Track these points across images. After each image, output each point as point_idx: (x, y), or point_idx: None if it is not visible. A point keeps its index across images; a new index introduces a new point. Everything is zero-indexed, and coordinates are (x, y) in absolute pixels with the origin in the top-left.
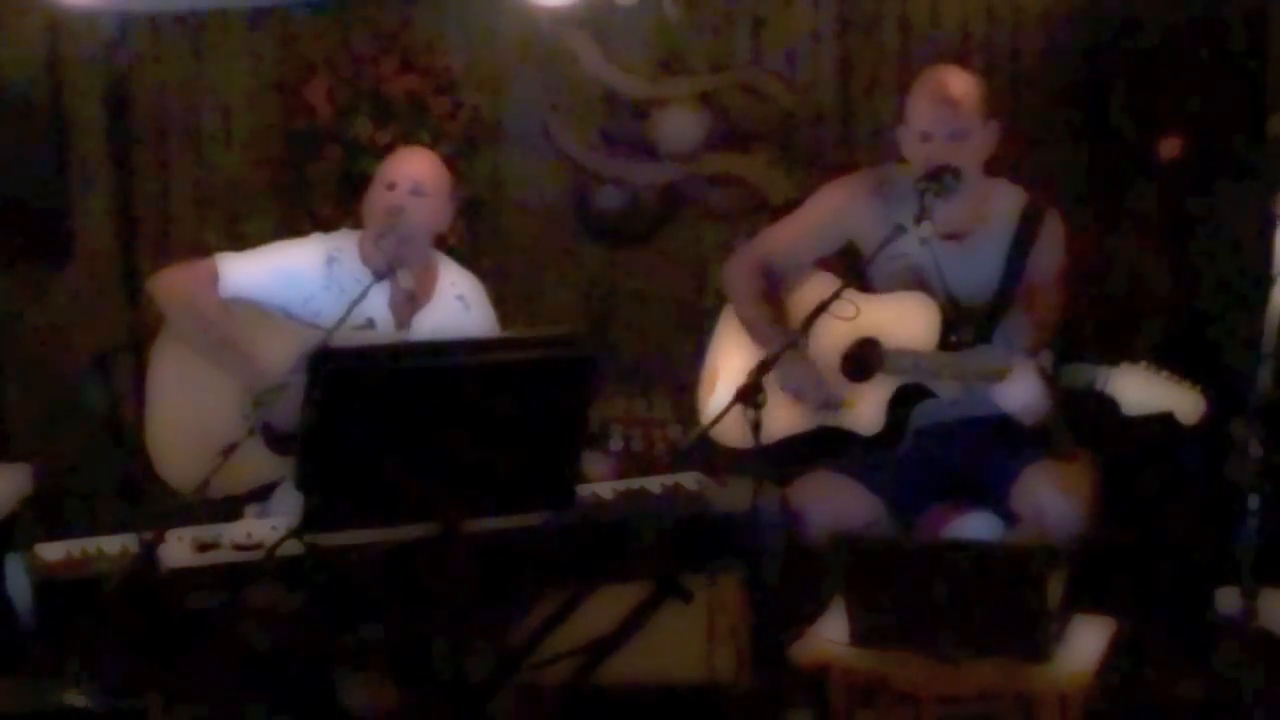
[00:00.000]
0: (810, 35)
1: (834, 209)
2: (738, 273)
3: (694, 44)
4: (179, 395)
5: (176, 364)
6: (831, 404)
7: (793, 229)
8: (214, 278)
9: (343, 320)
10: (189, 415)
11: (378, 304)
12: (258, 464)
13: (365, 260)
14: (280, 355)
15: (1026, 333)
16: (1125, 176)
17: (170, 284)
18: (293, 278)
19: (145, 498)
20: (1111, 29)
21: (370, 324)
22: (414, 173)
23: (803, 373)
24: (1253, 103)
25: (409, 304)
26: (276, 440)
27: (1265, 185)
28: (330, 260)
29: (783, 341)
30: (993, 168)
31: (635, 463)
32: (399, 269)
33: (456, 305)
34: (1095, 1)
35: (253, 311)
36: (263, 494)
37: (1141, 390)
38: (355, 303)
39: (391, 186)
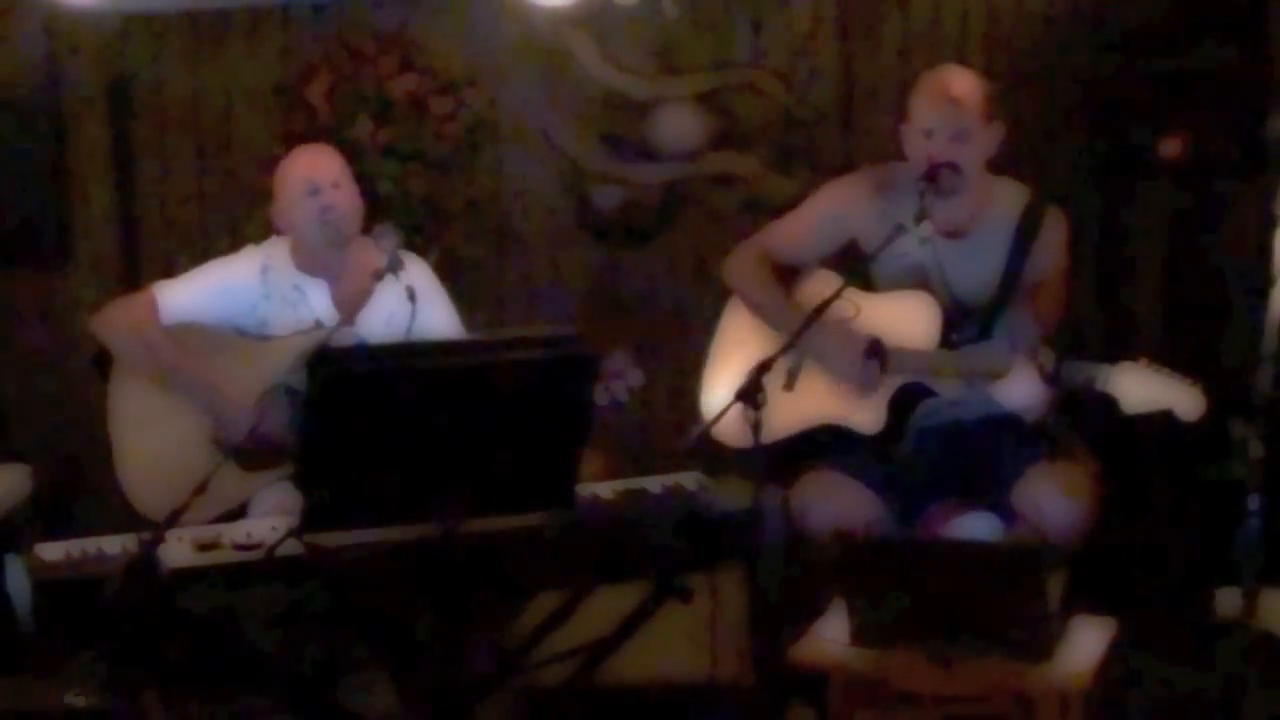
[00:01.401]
0: (810, 35)
1: (835, 207)
2: (742, 265)
3: (694, 44)
4: (141, 430)
5: (133, 400)
6: (872, 381)
7: (794, 226)
8: (154, 307)
9: (336, 328)
10: (154, 448)
11: (322, 304)
12: (227, 487)
13: (299, 266)
14: (238, 373)
15: (1027, 330)
16: (1126, 176)
17: (112, 320)
18: (232, 293)
19: None
20: (1111, 29)
21: (318, 325)
22: (326, 170)
23: (841, 350)
24: (1253, 103)
25: (354, 300)
26: (247, 457)
27: (1265, 185)
28: (265, 269)
29: (797, 326)
30: (995, 168)
31: (600, 413)
32: (399, 270)
33: (402, 293)
34: (1096, 2)
35: (200, 336)
36: (238, 514)
37: (1141, 388)
38: (335, 325)
39: (315, 192)
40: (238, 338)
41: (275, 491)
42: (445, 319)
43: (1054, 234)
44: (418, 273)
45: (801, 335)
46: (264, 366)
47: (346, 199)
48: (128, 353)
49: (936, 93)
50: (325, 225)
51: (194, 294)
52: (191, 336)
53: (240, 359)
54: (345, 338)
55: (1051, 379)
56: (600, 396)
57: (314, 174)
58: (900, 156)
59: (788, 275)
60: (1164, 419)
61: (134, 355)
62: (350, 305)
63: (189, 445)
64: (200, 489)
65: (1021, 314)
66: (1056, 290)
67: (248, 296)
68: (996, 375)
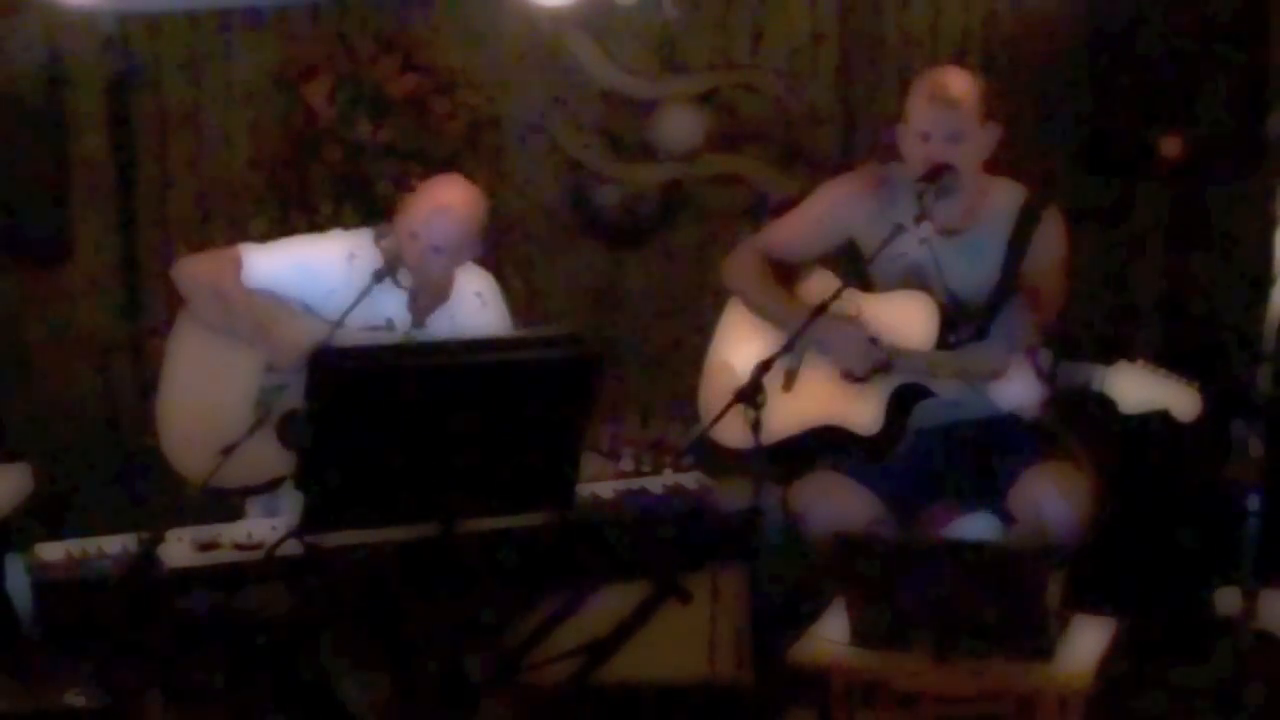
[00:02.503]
0: (810, 35)
1: (834, 206)
2: (741, 265)
3: (694, 44)
4: (192, 383)
5: (192, 352)
6: (881, 363)
7: (793, 226)
8: (238, 265)
9: (345, 315)
10: (201, 404)
11: (395, 304)
12: (267, 457)
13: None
14: (301, 344)
15: (1024, 330)
16: (1125, 176)
17: (195, 269)
18: (315, 272)
19: (145, 497)
20: (1111, 29)
21: (389, 324)
22: (439, 235)
23: (846, 336)
24: (1253, 103)
25: (426, 303)
26: (287, 432)
27: (1265, 185)
28: (351, 257)
29: (799, 321)
30: (992, 168)
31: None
32: (398, 269)
33: (475, 302)
34: (1095, 2)
35: (275, 301)
36: (270, 487)
37: (1138, 388)
38: (361, 296)
39: (415, 238)
40: (308, 315)
41: None
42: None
43: (1051, 232)
44: (486, 288)
45: (802, 335)
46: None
47: (440, 263)
48: (203, 300)
49: (933, 94)
50: (408, 263)
51: (279, 263)
52: (266, 299)
53: (306, 333)
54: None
55: (1048, 378)
56: (645, 465)
57: (430, 227)
58: (898, 156)
59: (787, 275)
60: (1162, 419)
61: (208, 303)
62: (422, 309)
63: (234, 406)
64: (203, 485)
65: (1018, 313)
66: (1054, 289)
67: (329, 279)
68: (994, 375)
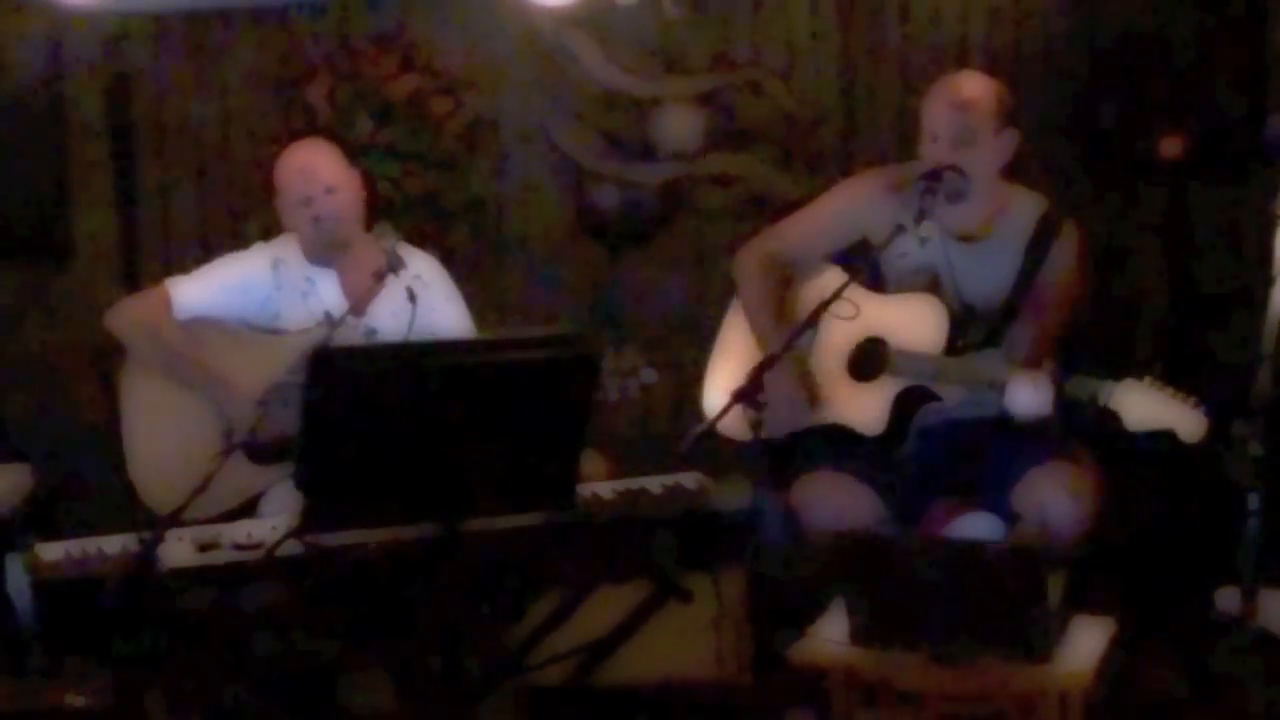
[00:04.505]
0: (810, 35)
1: (848, 204)
2: (750, 263)
3: (694, 44)
4: (153, 423)
5: (145, 393)
6: (796, 423)
7: (806, 223)
8: (167, 303)
9: (337, 325)
10: (165, 442)
11: (333, 295)
12: (237, 481)
13: (309, 258)
14: (249, 368)
15: (1032, 341)
16: (1125, 177)
17: (126, 315)
18: (244, 287)
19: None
20: (1112, 29)
21: (328, 318)
22: (320, 177)
23: (786, 386)
24: (1253, 103)
25: (363, 293)
26: (257, 451)
27: (1265, 185)
28: (276, 263)
29: (778, 346)
30: (1009, 175)
31: (611, 411)
32: (399, 269)
33: (415, 285)
34: (1096, 2)
35: (213, 331)
36: (247, 510)
37: (1145, 407)
38: (337, 322)
39: (308, 202)
40: (250, 332)
41: (287, 489)
42: (455, 315)
43: (1068, 246)
44: (427, 270)
45: (798, 337)
46: (275, 362)
47: (342, 202)
48: (140, 347)
49: (946, 97)
50: (321, 232)
51: (207, 288)
52: (204, 331)
53: (251, 354)
54: (354, 330)
55: (1056, 388)
56: (612, 392)
57: (307, 183)
58: (901, 156)
59: (795, 270)
60: (1167, 438)
61: (146, 349)
62: (360, 297)
63: (200, 439)
64: (201, 488)
65: (1028, 324)
66: (1067, 302)
67: (260, 290)
68: (999, 384)
